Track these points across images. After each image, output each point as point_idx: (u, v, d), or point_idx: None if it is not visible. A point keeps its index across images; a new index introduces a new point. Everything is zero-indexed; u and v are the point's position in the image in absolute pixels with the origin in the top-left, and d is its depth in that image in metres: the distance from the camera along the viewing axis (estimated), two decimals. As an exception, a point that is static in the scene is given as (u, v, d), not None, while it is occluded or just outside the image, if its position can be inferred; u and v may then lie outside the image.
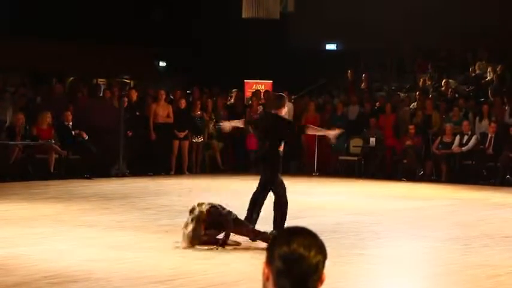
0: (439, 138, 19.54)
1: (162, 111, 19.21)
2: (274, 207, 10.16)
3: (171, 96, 20.80)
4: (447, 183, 18.68)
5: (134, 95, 19.57)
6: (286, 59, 25.62)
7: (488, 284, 8.00)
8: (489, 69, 22.87)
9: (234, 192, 15.48)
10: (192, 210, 9.56)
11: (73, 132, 17.89)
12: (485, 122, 19.64)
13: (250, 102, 21.80)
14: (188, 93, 22.03)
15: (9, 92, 19.76)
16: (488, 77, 22.70)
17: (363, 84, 23.64)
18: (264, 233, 9.54)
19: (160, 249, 9.24)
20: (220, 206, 9.67)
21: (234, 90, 22.59)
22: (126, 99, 19.07)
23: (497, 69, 22.58)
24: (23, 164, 17.22)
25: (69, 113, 18.13)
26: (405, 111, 20.86)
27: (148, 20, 28.07)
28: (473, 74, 23.35)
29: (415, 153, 19.52)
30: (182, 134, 19.36)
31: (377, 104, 21.65)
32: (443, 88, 22.53)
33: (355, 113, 21.39)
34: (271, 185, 10.06)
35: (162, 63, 30.59)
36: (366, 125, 20.62)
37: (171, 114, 19.27)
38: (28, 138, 17.32)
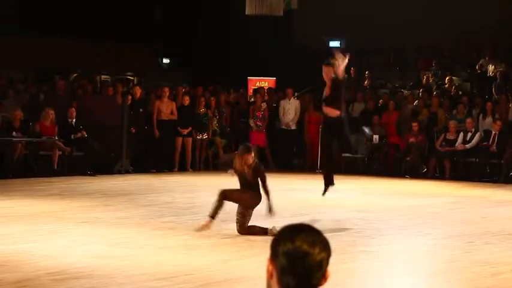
0: (443, 135, 19.52)
1: (166, 108, 19.19)
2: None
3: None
4: (450, 180, 18.66)
5: (138, 92, 19.54)
6: (289, 56, 25.60)
7: (491, 282, 7.99)
8: (493, 66, 22.82)
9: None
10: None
11: (72, 136, 17.83)
12: (489, 119, 19.62)
13: (253, 99, 21.80)
14: (184, 90, 21.84)
15: (14, 89, 19.74)
16: (492, 75, 22.65)
17: (366, 81, 23.62)
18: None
19: (164, 246, 9.24)
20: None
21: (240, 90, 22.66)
22: (130, 96, 19.05)
23: (501, 66, 22.52)
24: (26, 160, 17.23)
25: (73, 109, 18.13)
26: (408, 109, 20.85)
27: (151, 17, 28.10)
28: (478, 71, 23.28)
29: (418, 151, 19.51)
30: (186, 131, 19.34)
31: (380, 101, 21.63)
32: (446, 85, 22.50)
33: (358, 111, 21.39)
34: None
35: (165, 60, 30.61)
36: (369, 123, 20.60)
37: (175, 111, 19.26)
38: (31, 135, 17.33)
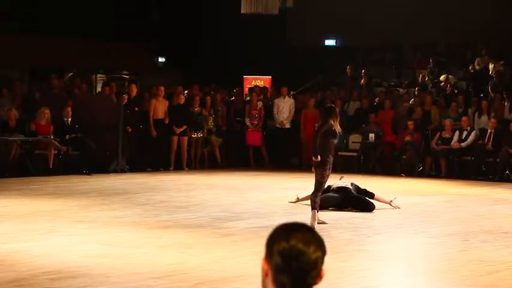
0: (439, 134, 19.53)
1: (161, 107, 19.17)
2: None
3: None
4: (446, 178, 18.66)
5: (134, 91, 19.50)
6: (285, 55, 25.61)
7: (487, 280, 8.00)
8: (490, 65, 22.81)
9: (232, 188, 15.48)
10: None
11: (67, 137, 17.81)
12: (484, 117, 19.64)
13: (248, 98, 21.79)
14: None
15: (8, 88, 19.69)
16: (489, 73, 22.65)
17: (362, 80, 23.63)
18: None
19: (160, 245, 9.24)
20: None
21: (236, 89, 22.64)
22: (125, 95, 19.00)
23: (497, 64, 22.52)
24: (22, 159, 17.20)
25: (68, 108, 18.10)
26: (404, 107, 20.85)
27: (147, 16, 28.08)
28: (472, 70, 23.31)
29: (414, 149, 19.51)
30: (179, 130, 19.25)
31: (376, 99, 21.63)
32: (442, 84, 22.50)
33: (353, 109, 21.39)
34: None
35: (161, 59, 30.57)
36: (365, 121, 20.59)
37: (167, 111, 19.18)
38: (27, 134, 17.30)
